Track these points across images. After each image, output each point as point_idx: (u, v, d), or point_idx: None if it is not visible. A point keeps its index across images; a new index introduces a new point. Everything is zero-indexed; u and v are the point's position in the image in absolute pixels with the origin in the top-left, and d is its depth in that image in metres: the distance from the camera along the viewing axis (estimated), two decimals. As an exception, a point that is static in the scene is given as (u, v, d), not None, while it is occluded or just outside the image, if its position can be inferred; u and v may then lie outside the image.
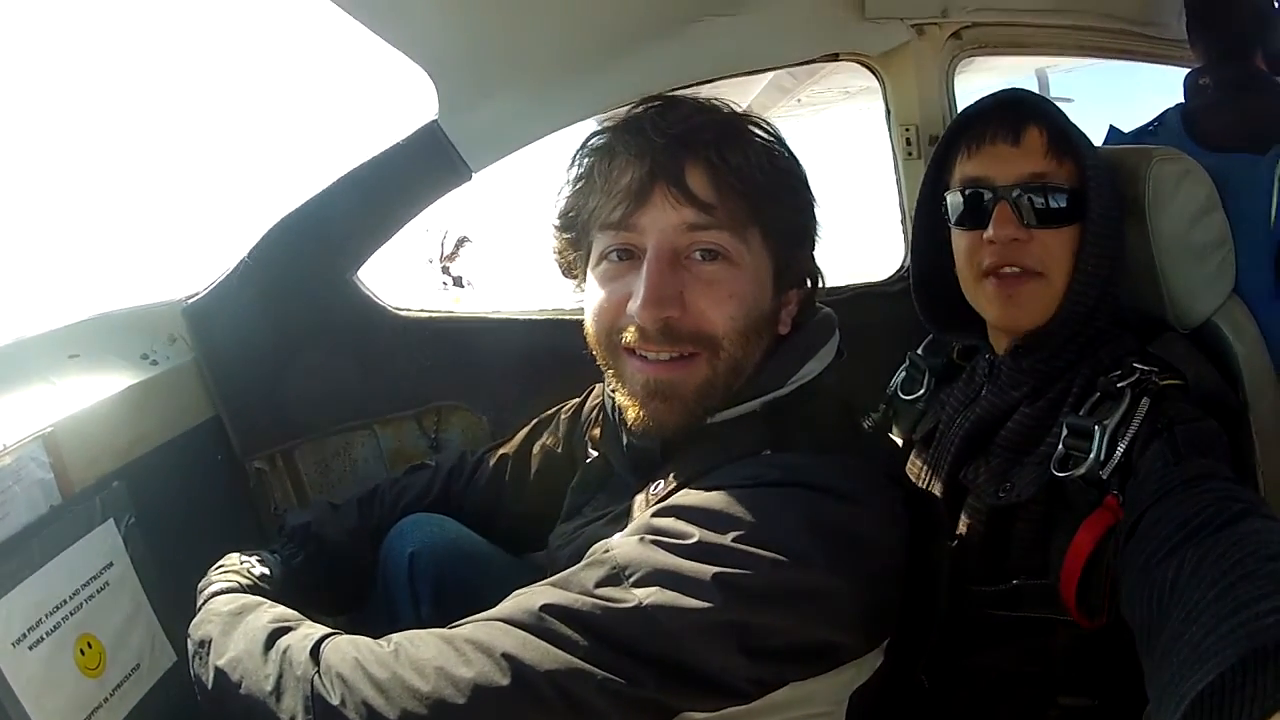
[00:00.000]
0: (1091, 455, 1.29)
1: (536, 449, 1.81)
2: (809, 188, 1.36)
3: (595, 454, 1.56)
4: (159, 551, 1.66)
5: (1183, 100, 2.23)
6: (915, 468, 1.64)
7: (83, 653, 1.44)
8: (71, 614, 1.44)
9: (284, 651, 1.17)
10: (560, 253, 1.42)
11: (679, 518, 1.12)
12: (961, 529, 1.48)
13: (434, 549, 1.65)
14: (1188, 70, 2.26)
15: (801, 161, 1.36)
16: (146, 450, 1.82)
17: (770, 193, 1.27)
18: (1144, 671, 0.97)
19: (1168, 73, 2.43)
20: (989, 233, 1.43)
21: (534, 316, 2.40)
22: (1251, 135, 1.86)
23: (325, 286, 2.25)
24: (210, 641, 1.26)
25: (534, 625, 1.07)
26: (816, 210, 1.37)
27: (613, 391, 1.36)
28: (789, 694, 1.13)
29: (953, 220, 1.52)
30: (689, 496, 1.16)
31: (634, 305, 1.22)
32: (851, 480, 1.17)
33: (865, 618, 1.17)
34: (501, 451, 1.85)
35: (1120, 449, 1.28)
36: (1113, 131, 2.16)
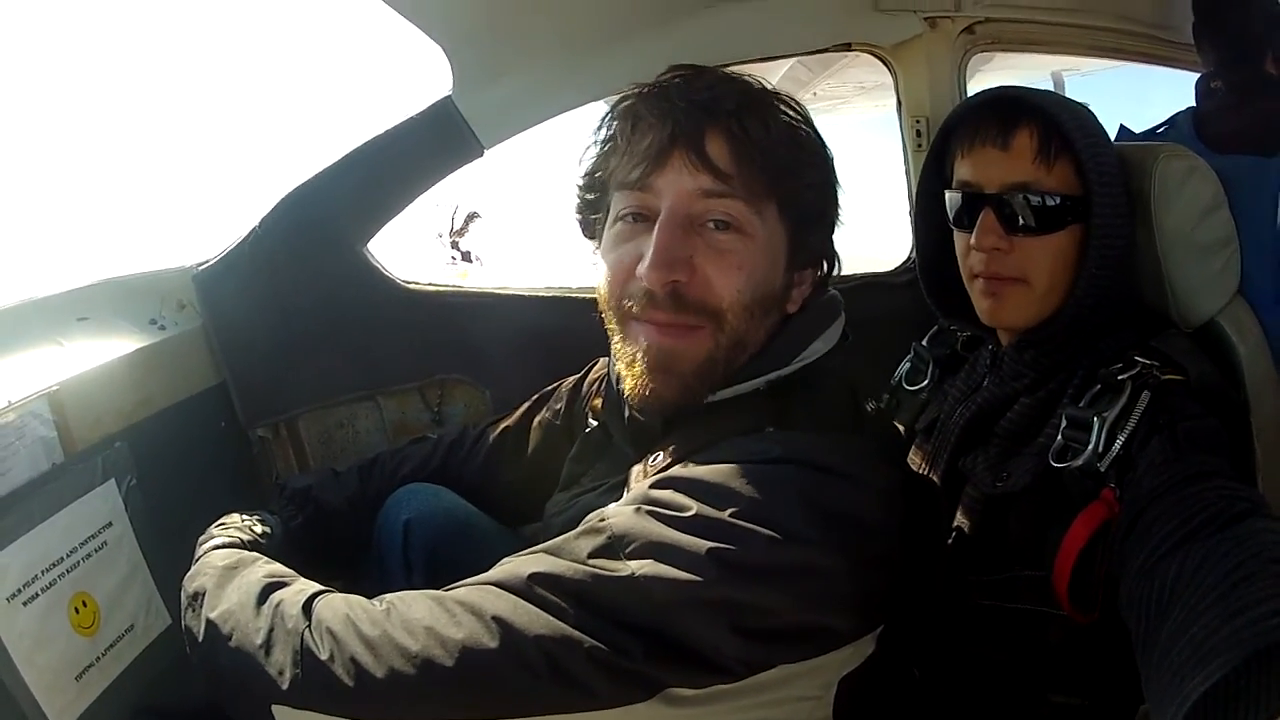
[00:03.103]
0: (1090, 447, 1.26)
1: (537, 422, 1.80)
2: (832, 170, 1.33)
3: (595, 424, 1.55)
4: (158, 514, 1.67)
5: (1194, 104, 2.21)
6: (916, 458, 1.62)
7: (77, 611, 1.45)
8: (68, 572, 1.45)
9: (276, 605, 1.16)
10: (582, 212, 1.41)
11: (677, 490, 1.10)
12: (959, 518, 1.46)
13: (429, 519, 1.65)
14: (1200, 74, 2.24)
15: (826, 142, 1.33)
16: (150, 413, 1.82)
17: (790, 169, 1.24)
18: (1140, 670, 0.96)
19: (1183, 78, 2.40)
20: (972, 240, 1.43)
21: (540, 294, 2.40)
22: (1261, 139, 1.84)
23: (334, 258, 2.25)
24: (204, 594, 1.24)
25: (525, 590, 1.06)
26: (838, 193, 1.35)
27: (616, 360, 1.34)
28: (777, 675, 1.11)
29: (951, 219, 1.51)
30: (689, 469, 1.14)
31: (643, 267, 1.20)
32: (853, 461, 1.15)
33: (860, 602, 1.14)
34: (503, 425, 1.84)
35: (1119, 442, 1.24)
36: (1123, 131, 2.14)
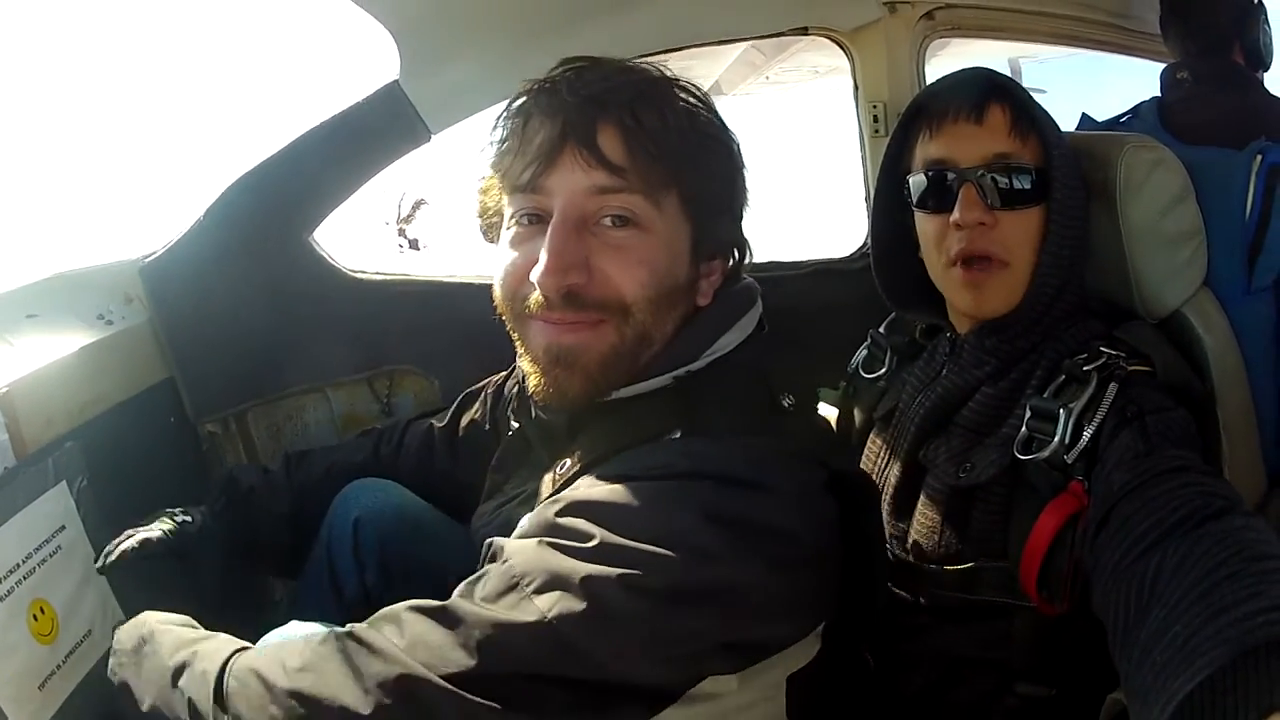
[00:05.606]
0: (1056, 439, 1.28)
1: (464, 422, 1.84)
2: (736, 155, 1.34)
3: (516, 426, 1.56)
4: (110, 514, 1.70)
5: (1158, 94, 2.26)
6: (875, 447, 1.64)
7: (35, 619, 1.48)
8: (25, 579, 1.47)
9: (188, 702, 1.16)
10: (482, 215, 1.41)
11: (579, 515, 1.09)
12: (920, 509, 1.49)
13: (378, 515, 1.68)
14: (1162, 65, 2.29)
15: (730, 129, 1.34)
16: (100, 411, 1.86)
17: (689, 157, 1.24)
18: (1118, 667, 0.98)
19: (1140, 66, 2.45)
20: (955, 216, 1.42)
21: (488, 281, 2.40)
22: (1229, 131, 1.88)
23: (281, 247, 2.29)
24: (127, 687, 1.26)
25: (440, 653, 1.04)
26: (744, 179, 1.36)
27: (520, 358, 1.34)
28: (716, 685, 1.14)
29: (915, 202, 1.52)
30: (590, 489, 1.14)
31: (536, 272, 1.19)
32: (762, 468, 1.16)
33: (787, 607, 1.17)
34: (430, 423, 1.89)
35: (1087, 434, 1.27)
36: (1085, 119, 2.18)
